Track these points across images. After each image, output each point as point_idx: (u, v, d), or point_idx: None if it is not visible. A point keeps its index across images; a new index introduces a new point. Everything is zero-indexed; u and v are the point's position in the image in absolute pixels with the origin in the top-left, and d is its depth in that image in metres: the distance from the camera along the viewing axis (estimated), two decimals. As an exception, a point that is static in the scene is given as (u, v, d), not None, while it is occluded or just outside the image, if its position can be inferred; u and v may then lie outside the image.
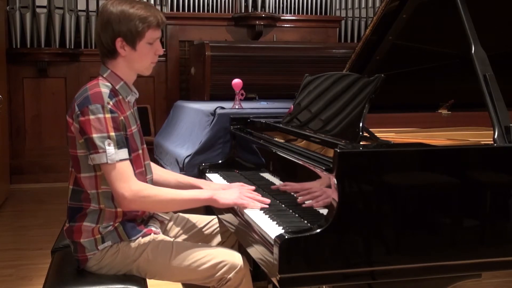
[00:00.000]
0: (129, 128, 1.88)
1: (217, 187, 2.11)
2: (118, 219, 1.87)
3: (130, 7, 1.85)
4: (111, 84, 1.88)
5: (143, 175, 1.94)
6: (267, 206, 1.87)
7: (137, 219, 1.93)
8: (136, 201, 1.79)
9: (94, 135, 1.75)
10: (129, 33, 1.84)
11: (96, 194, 1.85)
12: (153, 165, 2.16)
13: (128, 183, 1.77)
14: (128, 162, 1.80)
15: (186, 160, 2.97)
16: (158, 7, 5.95)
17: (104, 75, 1.90)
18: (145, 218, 2.01)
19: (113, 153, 1.76)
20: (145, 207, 1.88)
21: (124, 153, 1.79)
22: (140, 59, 1.90)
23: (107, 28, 1.85)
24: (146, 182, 1.96)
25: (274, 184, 2.06)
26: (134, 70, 1.93)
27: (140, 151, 1.94)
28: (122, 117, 1.83)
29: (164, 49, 5.95)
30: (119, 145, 1.78)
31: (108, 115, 1.77)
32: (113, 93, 1.86)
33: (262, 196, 1.94)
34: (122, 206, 1.81)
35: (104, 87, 1.84)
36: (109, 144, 1.75)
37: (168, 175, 2.18)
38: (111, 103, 1.80)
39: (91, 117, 1.76)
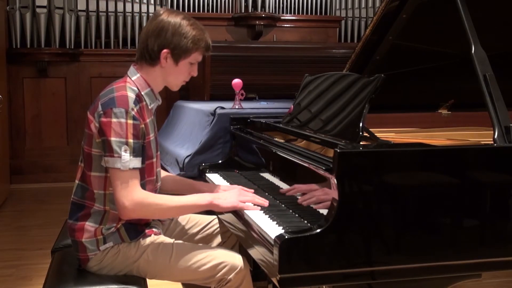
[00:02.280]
0: (147, 136, 1.86)
1: (217, 189, 2.11)
2: (121, 221, 1.87)
3: (187, 24, 1.85)
4: (138, 88, 1.87)
5: (153, 183, 1.94)
6: (266, 205, 1.87)
7: (140, 222, 1.93)
8: (135, 211, 1.78)
9: (113, 139, 1.74)
10: (178, 48, 1.85)
11: (103, 195, 1.85)
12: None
13: (131, 193, 1.76)
14: (137, 171, 1.79)
15: (186, 160, 2.97)
16: (158, 7, 5.95)
17: (133, 78, 1.89)
18: (149, 223, 2.00)
19: (127, 160, 1.75)
20: (144, 215, 1.87)
21: (137, 162, 1.78)
22: (176, 75, 1.91)
23: (160, 35, 1.84)
24: (156, 189, 1.97)
25: (274, 184, 2.06)
26: (165, 82, 1.94)
27: (155, 159, 1.93)
28: (142, 125, 1.82)
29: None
30: (134, 153, 1.77)
31: (130, 121, 1.76)
32: (138, 98, 1.84)
33: (262, 196, 1.95)
34: (122, 214, 1.80)
35: (130, 92, 1.83)
36: (125, 151, 1.74)
37: (167, 178, 2.17)
38: (135, 109, 1.79)
39: (113, 120, 1.75)
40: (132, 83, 1.87)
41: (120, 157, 1.74)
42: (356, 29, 6.63)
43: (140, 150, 1.80)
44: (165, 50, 1.85)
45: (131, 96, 1.81)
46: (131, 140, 1.76)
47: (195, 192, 2.03)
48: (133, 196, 1.76)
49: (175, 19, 1.85)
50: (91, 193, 1.85)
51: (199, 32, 1.87)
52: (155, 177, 1.95)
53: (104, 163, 1.79)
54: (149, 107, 1.91)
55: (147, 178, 1.88)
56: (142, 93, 1.88)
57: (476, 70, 1.80)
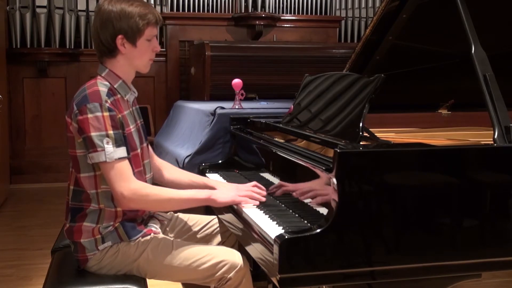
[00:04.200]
0: (127, 127, 1.87)
1: (232, 187, 2.11)
2: (118, 219, 1.87)
3: (129, 5, 1.86)
4: (110, 83, 1.89)
5: (142, 174, 1.94)
6: (264, 200, 1.89)
7: (137, 219, 1.94)
8: (134, 200, 1.79)
9: (93, 134, 1.75)
10: (130, 30, 1.86)
11: (96, 194, 1.85)
12: (167, 164, 2.19)
13: (127, 182, 1.77)
14: (126, 160, 1.80)
15: (186, 160, 2.97)
16: (158, 7, 5.95)
17: (102, 74, 1.90)
18: (145, 218, 2.01)
19: (111, 151, 1.76)
20: (143, 206, 1.88)
21: (122, 151, 1.79)
22: (139, 56, 1.91)
23: (107, 26, 1.86)
24: (145, 181, 1.97)
25: (274, 184, 2.06)
26: (134, 67, 1.94)
27: (139, 151, 1.93)
28: (120, 116, 1.84)
29: (164, 49, 5.95)
30: (117, 143, 1.78)
31: (106, 113, 1.78)
32: (111, 91, 1.86)
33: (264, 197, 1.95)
34: (121, 205, 1.81)
35: (102, 86, 1.84)
36: (107, 143, 1.76)
37: (182, 175, 2.18)
38: (109, 101, 1.81)
39: (89, 115, 1.76)
40: (103, 79, 1.89)
41: (103, 150, 1.75)
42: (356, 29, 6.63)
43: (123, 140, 1.81)
44: (119, 37, 1.86)
45: (103, 89, 1.83)
46: (111, 132, 1.77)
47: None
48: (130, 185, 1.77)
49: (115, 6, 1.86)
50: (86, 194, 1.86)
51: (142, 8, 1.88)
52: (142, 169, 1.95)
53: (90, 160, 1.79)
54: (125, 99, 1.92)
55: (134, 170, 1.89)
56: (115, 86, 1.90)
57: (476, 70, 1.80)
